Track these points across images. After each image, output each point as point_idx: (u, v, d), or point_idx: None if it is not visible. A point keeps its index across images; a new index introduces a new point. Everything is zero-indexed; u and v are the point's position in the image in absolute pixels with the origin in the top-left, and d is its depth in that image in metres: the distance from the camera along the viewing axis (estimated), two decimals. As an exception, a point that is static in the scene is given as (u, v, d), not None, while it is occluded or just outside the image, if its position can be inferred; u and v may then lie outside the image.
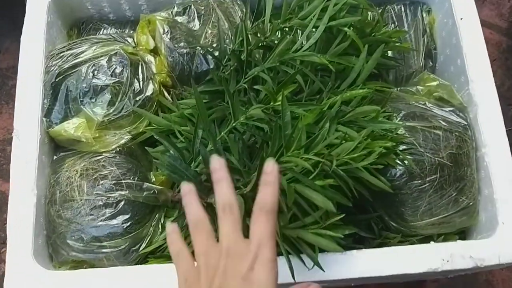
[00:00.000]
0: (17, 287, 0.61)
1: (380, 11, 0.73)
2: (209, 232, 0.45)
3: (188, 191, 0.48)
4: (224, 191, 0.46)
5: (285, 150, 0.59)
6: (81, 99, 0.66)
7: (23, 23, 0.73)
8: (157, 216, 0.67)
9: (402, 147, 0.66)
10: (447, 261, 0.62)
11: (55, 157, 0.70)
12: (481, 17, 0.76)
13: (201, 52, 0.72)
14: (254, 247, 0.43)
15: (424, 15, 0.83)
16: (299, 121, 0.60)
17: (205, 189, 0.63)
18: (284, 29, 0.69)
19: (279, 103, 0.62)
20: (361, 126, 0.62)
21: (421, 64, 0.81)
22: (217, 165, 0.47)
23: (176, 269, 0.46)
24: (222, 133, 0.64)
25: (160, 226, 0.67)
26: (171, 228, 0.48)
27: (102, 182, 0.63)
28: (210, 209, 0.64)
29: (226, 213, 0.45)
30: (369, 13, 0.75)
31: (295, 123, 0.60)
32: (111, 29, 0.81)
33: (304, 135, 0.59)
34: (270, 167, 0.47)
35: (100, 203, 0.63)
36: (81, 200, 0.63)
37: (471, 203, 0.69)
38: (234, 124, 0.63)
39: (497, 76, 1.10)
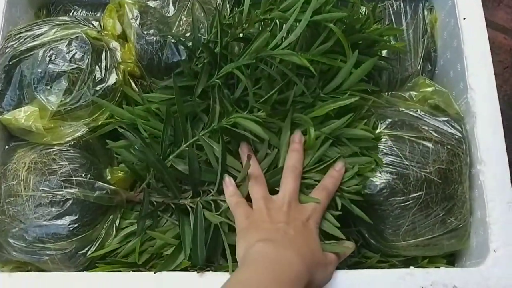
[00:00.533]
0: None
1: (372, 6, 0.66)
2: (265, 185, 0.56)
3: (247, 150, 0.58)
4: (297, 157, 0.57)
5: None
6: (35, 85, 0.60)
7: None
8: (111, 217, 0.61)
9: (386, 159, 0.60)
10: (427, 290, 0.56)
11: (6, 147, 0.64)
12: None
13: (172, 41, 0.65)
14: (309, 210, 0.55)
15: (426, 13, 0.75)
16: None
17: (178, 189, 0.60)
18: (264, 21, 0.63)
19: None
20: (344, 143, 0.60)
21: (418, 67, 0.73)
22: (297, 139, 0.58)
23: (234, 213, 0.55)
24: (199, 135, 0.59)
25: (114, 229, 0.61)
26: (229, 181, 0.57)
27: (50, 177, 0.58)
28: (179, 210, 0.59)
29: (293, 173, 0.56)
30: (363, 8, 0.68)
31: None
32: (82, 11, 0.75)
33: None
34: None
35: (46, 200, 0.57)
36: (26, 196, 0.57)
37: (460, 225, 0.61)
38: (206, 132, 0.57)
39: (508, 84, 1.02)
